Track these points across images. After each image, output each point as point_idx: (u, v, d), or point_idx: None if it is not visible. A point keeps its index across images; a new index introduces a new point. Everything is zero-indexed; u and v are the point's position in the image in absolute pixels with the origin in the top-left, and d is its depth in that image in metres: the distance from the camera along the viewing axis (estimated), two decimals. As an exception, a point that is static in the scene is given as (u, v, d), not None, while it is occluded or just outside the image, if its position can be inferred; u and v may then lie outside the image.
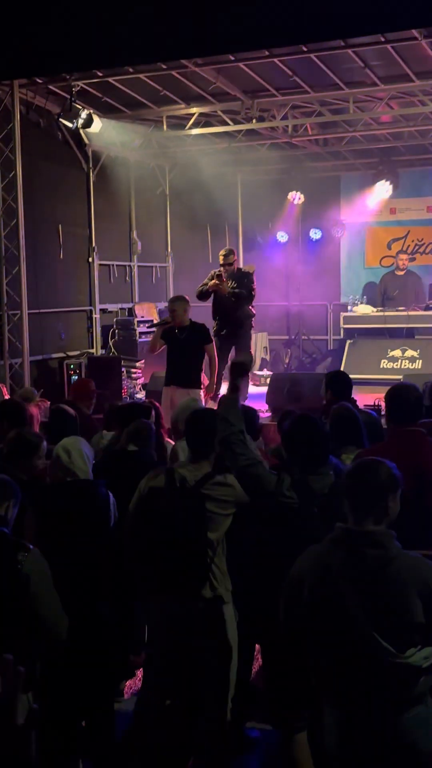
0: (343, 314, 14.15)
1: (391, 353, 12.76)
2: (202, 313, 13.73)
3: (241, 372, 4.12)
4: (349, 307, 14.12)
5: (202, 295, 10.27)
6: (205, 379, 9.05)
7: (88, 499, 4.17)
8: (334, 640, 2.93)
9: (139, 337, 13.06)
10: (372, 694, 2.88)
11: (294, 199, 15.19)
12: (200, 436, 4.02)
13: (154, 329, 13.45)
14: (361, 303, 14.05)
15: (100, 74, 10.50)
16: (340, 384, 6.30)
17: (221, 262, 10.47)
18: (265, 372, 13.07)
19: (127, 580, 4.38)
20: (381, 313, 13.53)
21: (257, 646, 4.68)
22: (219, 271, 10.39)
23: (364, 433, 5.04)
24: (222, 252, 10.73)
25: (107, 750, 4.31)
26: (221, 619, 3.97)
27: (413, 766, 2.90)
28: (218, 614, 3.97)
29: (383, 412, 8.42)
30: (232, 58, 9.95)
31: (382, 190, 14.53)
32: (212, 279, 10.27)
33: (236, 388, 4.02)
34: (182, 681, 4.16)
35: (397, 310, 13.33)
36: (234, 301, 10.21)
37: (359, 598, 2.86)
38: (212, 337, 9.18)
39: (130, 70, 10.38)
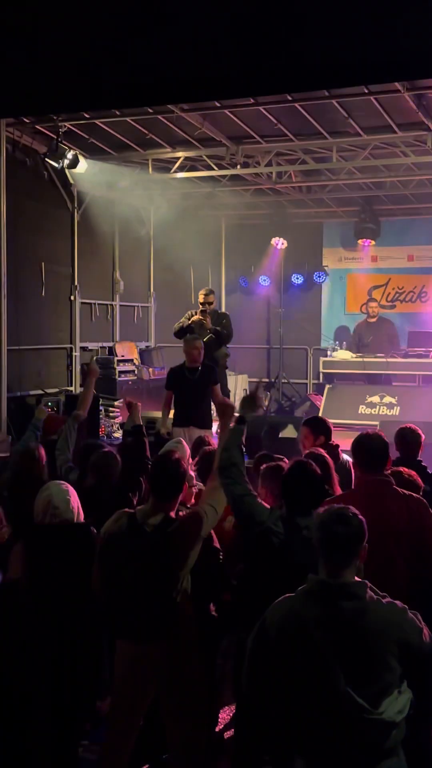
0: (322, 359, 14.24)
1: (369, 399, 12.81)
2: (175, 352, 13.82)
3: (253, 408, 4.24)
4: (328, 353, 14.21)
5: (182, 332, 10.29)
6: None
7: (77, 543, 4.20)
8: (306, 692, 2.91)
9: (119, 376, 13.06)
10: (344, 748, 2.85)
11: (277, 245, 15.33)
12: (164, 481, 4.02)
13: (134, 369, 13.57)
14: (341, 348, 14.14)
15: (87, 116, 10.62)
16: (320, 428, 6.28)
17: (201, 300, 10.58)
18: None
19: (96, 624, 4.33)
20: (360, 359, 13.62)
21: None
22: (197, 311, 10.49)
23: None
24: (202, 291, 10.86)
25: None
26: (187, 664, 3.92)
27: None
28: (183, 659, 3.91)
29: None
30: (218, 105, 10.09)
31: (364, 243, 14.79)
32: (189, 318, 10.35)
33: (244, 421, 4.13)
34: (146, 727, 4.11)
35: (376, 357, 13.41)
36: (214, 338, 10.27)
37: (334, 650, 2.85)
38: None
39: (117, 112, 10.50)
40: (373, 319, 13.97)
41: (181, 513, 4.07)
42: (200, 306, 10.48)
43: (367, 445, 4.41)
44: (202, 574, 4.18)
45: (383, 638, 2.85)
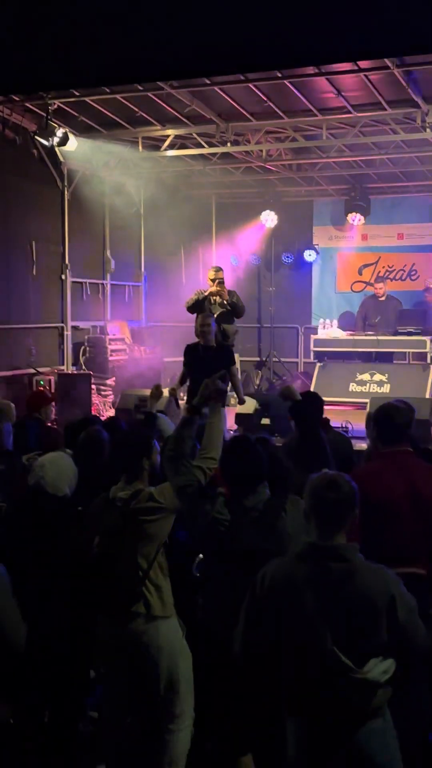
0: (313, 337, 14.28)
1: (360, 377, 12.88)
2: (166, 331, 13.88)
3: (215, 397, 4.20)
4: (319, 329, 14.25)
5: (196, 306, 10.18)
6: None
7: (62, 516, 4.23)
8: (296, 653, 2.98)
9: (110, 355, 13.11)
10: (332, 707, 2.92)
11: (267, 221, 15.33)
12: (128, 458, 4.06)
13: (126, 348, 13.58)
14: (331, 327, 14.17)
15: (77, 94, 10.59)
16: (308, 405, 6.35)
17: (212, 277, 10.47)
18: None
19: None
20: (351, 337, 13.67)
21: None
22: (207, 290, 10.41)
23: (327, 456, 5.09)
24: (212, 268, 10.82)
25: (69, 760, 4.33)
26: (160, 635, 3.97)
27: None
28: (156, 631, 3.96)
29: (349, 434, 8.57)
30: (208, 82, 10.08)
31: (354, 218, 14.77)
32: (200, 295, 10.29)
33: (197, 411, 4.09)
34: (135, 699, 4.16)
35: (366, 335, 13.47)
36: (230, 310, 10.25)
37: (323, 610, 2.92)
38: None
39: (107, 90, 10.47)
40: (382, 298, 14.00)
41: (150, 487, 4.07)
42: (211, 282, 10.40)
43: (393, 416, 4.39)
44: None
45: (370, 602, 2.92)
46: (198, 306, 10.18)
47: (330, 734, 2.94)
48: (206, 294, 10.30)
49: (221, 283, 10.31)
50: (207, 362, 8.64)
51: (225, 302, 10.25)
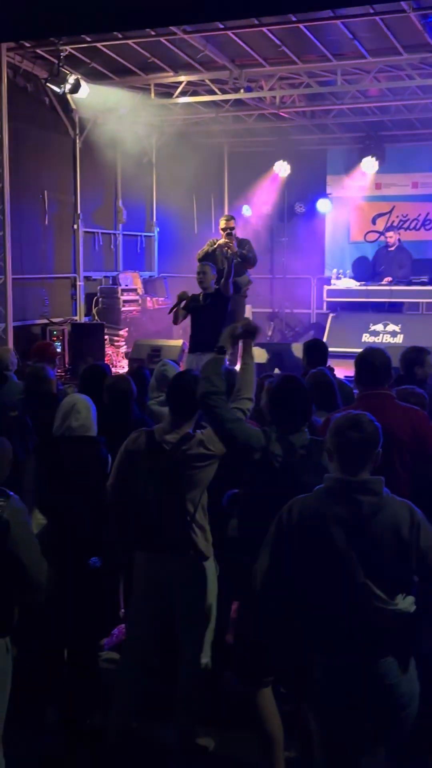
0: (326, 288, 14.23)
1: (373, 327, 12.88)
2: (178, 282, 13.79)
3: (246, 336, 4.21)
4: (332, 281, 14.21)
5: (206, 257, 10.07)
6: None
7: (90, 454, 4.30)
8: (326, 587, 3.03)
9: (123, 306, 13.11)
10: (361, 640, 2.98)
11: (280, 171, 15.18)
12: (181, 399, 4.07)
13: (138, 299, 13.57)
14: (344, 277, 14.12)
15: (89, 39, 10.46)
16: (316, 351, 6.40)
17: (222, 226, 10.35)
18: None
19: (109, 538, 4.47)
20: (364, 288, 13.62)
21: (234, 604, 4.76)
22: (219, 239, 10.31)
23: (339, 398, 5.16)
24: (223, 217, 10.68)
25: (88, 697, 4.43)
26: (201, 574, 4.05)
27: (398, 709, 3.03)
28: (198, 570, 4.04)
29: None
30: (221, 26, 9.93)
31: (369, 165, 14.58)
32: (213, 245, 10.21)
33: (223, 351, 4.09)
34: (162, 634, 4.25)
35: (380, 285, 13.42)
36: (240, 261, 10.18)
37: (354, 545, 2.97)
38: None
39: (119, 36, 10.34)
40: (392, 248, 13.91)
41: (198, 431, 4.11)
42: (222, 232, 10.29)
43: (370, 359, 4.49)
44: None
45: (398, 533, 2.98)
46: (209, 257, 10.08)
47: (357, 666, 3.00)
48: (217, 245, 10.20)
49: (230, 234, 10.18)
50: (204, 309, 8.68)
51: (235, 254, 10.14)
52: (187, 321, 9.14)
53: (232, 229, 10.32)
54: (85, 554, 4.27)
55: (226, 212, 16.26)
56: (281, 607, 3.24)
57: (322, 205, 15.61)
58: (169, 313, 9.24)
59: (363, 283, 13.72)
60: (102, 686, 4.43)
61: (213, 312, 8.67)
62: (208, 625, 4.14)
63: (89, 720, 4.37)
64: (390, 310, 13.29)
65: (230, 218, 10.58)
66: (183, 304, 8.88)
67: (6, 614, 3.28)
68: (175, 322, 9.22)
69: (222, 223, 10.47)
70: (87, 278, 13.35)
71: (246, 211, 15.99)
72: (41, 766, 4.06)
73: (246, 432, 3.78)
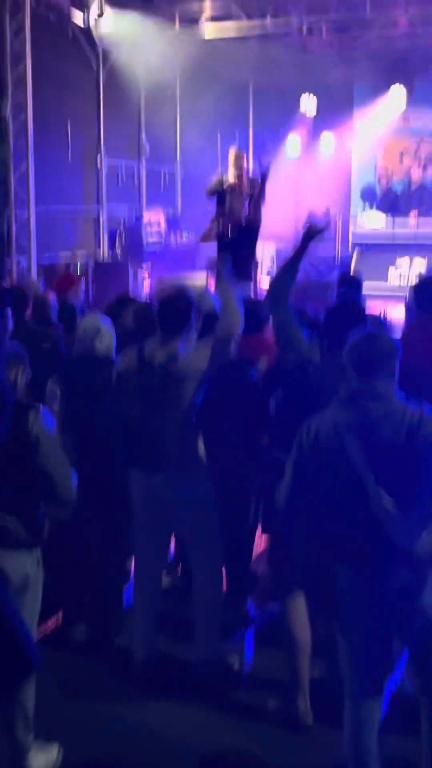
0: (352, 230, 14.08)
1: (399, 261, 12.79)
2: (202, 218, 13.64)
3: (313, 235, 4.20)
4: (358, 218, 14.04)
5: (218, 198, 9.34)
6: None
7: (107, 375, 4.29)
8: (341, 496, 3.03)
9: (146, 242, 13.04)
10: (378, 550, 2.99)
11: (306, 109, 14.91)
12: (170, 315, 4.07)
13: (161, 235, 13.46)
14: (371, 211, 13.95)
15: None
16: (351, 285, 6.37)
17: (232, 162, 9.34)
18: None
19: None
20: (389, 227, 13.49)
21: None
22: (227, 177, 9.74)
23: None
24: (232, 152, 9.55)
25: (113, 615, 4.49)
26: (196, 491, 4.08)
27: (423, 621, 3.05)
28: (192, 487, 4.08)
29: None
30: None
31: (397, 96, 14.29)
32: (220, 184, 9.63)
33: (301, 254, 4.10)
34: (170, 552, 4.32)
35: (405, 221, 13.27)
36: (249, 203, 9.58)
37: (363, 450, 2.96)
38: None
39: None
40: (415, 185, 13.72)
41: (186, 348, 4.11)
42: (232, 170, 9.29)
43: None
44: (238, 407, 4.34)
45: (408, 439, 2.95)
46: (220, 198, 9.28)
47: (377, 576, 3.01)
48: (228, 185, 9.26)
49: (240, 175, 9.24)
50: (233, 244, 8.49)
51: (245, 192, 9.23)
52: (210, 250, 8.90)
53: (242, 167, 9.30)
54: (108, 474, 4.29)
55: (250, 149, 16.06)
56: (305, 521, 3.26)
57: (347, 139, 15.35)
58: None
59: (389, 215, 13.56)
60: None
61: (243, 246, 8.49)
62: (214, 539, 4.17)
63: (116, 640, 4.44)
64: (415, 247, 13.16)
65: (240, 155, 9.49)
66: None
67: (37, 526, 3.30)
68: (204, 239, 8.99)
69: (231, 159, 9.42)
70: (110, 214, 13.24)
71: (271, 147, 15.75)
72: (68, 686, 4.12)
73: (291, 333, 3.94)
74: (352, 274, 12.72)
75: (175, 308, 4.05)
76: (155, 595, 4.28)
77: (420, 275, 8.09)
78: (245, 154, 9.96)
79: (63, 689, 4.03)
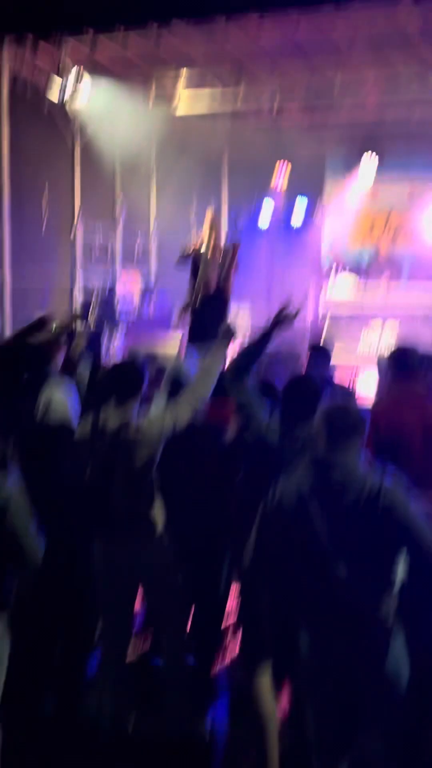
0: (322, 297, 14.30)
1: (372, 323, 12.98)
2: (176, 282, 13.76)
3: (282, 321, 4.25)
4: (330, 284, 14.25)
5: (185, 259, 9.61)
6: None
7: (63, 443, 4.28)
8: (304, 562, 3.05)
9: (119, 312, 13.15)
10: (339, 615, 2.98)
11: (279, 181, 15.25)
12: (123, 383, 4.10)
13: (134, 307, 13.60)
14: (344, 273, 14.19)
15: (90, 34, 10.36)
16: (320, 355, 6.45)
17: (205, 229, 9.59)
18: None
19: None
20: (360, 294, 13.72)
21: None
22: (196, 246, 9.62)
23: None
24: (209, 214, 9.76)
25: (77, 686, 4.41)
26: (156, 554, 4.06)
27: (385, 685, 3.02)
28: (152, 543, 4.06)
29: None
30: (223, 24, 9.85)
31: (367, 169, 14.67)
32: (188, 253, 9.52)
33: (267, 340, 4.19)
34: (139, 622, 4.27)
35: (377, 285, 13.52)
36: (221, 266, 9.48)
37: (325, 520, 2.98)
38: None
39: (121, 28, 10.24)
40: (384, 254, 14.00)
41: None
42: (203, 236, 9.57)
43: (404, 355, 4.85)
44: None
45: (373, 506, 2.98)
46: (194, 267, 9.47)
47: (339, 643, 3.00)
48: (194, 252, 9.47)
49: (214, 244, 9.42)
50: (203, 312, 8.58)
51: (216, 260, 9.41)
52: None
53: (217, 234, 9.55)
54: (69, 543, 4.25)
55: (224, 216, 16.29)
56: (269, 585, 3.26)
57: (318, 211, 15.70)
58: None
59: (361, 279, 13.79)
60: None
61: (212, 315, 8.57)
62: (175, 607, 4.13)
63: (84, 710, 4.35)
64: (387, 309, 13.37)
65: (216, 218, 9.72)
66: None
67: (3, 590, 3.28)
68: (185, 310, 9.09)
69: (206, 222, 9.61)
70: (84, 284, 13.37)
71: (244, 218, 16.05)
72: (36, 756, 4.02)
73: (250, 418, 3.99)
74: (322, 341, 12.97)
75: (126, 375, 4.09)
76: (122, 665, 4.22)
77: (392, 345, 8.20)
78: (219, 219, 10.08)
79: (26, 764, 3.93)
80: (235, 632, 4.17)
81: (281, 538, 3.12)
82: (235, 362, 4.14)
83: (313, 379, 4.22)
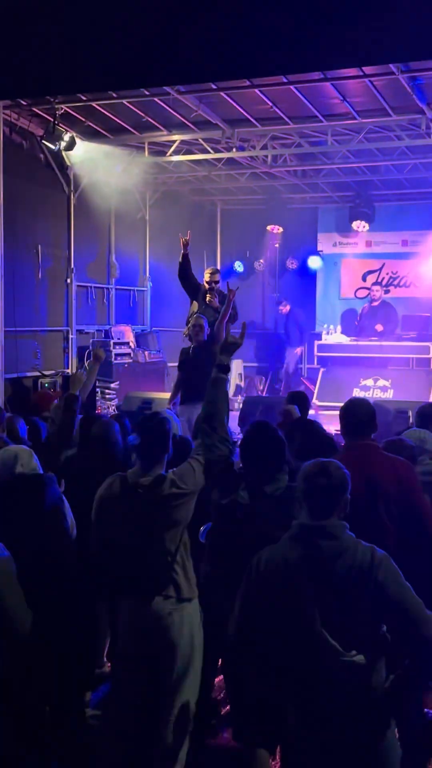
0: (317, 343, 14.33)
1: (363, 382, 12.93)
2: (170, 335, 13.85)
3: (231, 350, 4.25)
4: (323, 335, 14.32)
5: (192, 287, 10.09)
6: None
7: (38, 494, 4.20)
8: (289, 636, 2.99)
9: (115, 359, 13.15)
10: (325, 692, 2.93)
11: (273, 230, 15.43)
12: (149, 442, 4.07)
13: (130, 353, 13.62)
14: (335, 333, 14.25)
15: (84, 98, 10.66)
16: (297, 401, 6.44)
17: (207, 279, 10.16)
18: (240, 398, 13.19)
19: (90, 587, 4.41)
20: (354, 343, 13.73)
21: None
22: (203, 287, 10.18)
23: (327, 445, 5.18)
24: (208, 270, 10.47)
25: (71, 754, 4.34)
26: (186, 618, 4.00)
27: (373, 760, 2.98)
28: (181, 613, 4.00)
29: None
30: (214, 87, 10.14)
31: (359, 225, 14.84)
32: (192, 315, 9.91)
33: (224, 369, 4.13)
34: (148, 689, 4.17)
35: (370, 340, 13.53)
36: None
37: (313, 591, 2.94)
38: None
39: (114, 95, 10.55)
40: (376, 303, 14.07)
41: (171, 471, 4.10)
42: (206, 285, 10.12)
43: (354, 410, 4.51)
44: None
45: (361, 579, 2.93)
46: (194, 290, 10.00)
47: (327, 721, 2.95)
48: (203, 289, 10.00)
49: (212, 290, 9.97)
50: (196, 360, 8.68)
51: (214, 310, 9.81)
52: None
53: (216, 282, 10.12)
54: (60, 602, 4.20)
55: (218, 268, 16.46)
56: (255, 659, 3.22)
57: (313, 262, 15.84)
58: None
59: (354, 338, 13.83)
60: (89, 746, 4.34)
61: (204, 362, 8.64)
62: (193, 676, 4.05)
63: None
64: (380, 365, 13.38)
65: (215, 272, 10.37)
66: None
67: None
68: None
69: (206, 276, 10.25)
70: (79, 331, 13.42)
71: (238, 267, 16.20)
72: None
73: (222, 472, 3.89)
74: (316, 392, 13.04)
75: (155, 436, 4.06)
76: (129, 735, 4.11)
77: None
78: (218, 272, 10.45)
79: None
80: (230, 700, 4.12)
81: (268, 610, 3.06)
82: (202, 414, 4.07)
83: (272, 428, 4.06)
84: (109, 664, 5.17)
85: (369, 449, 4.38)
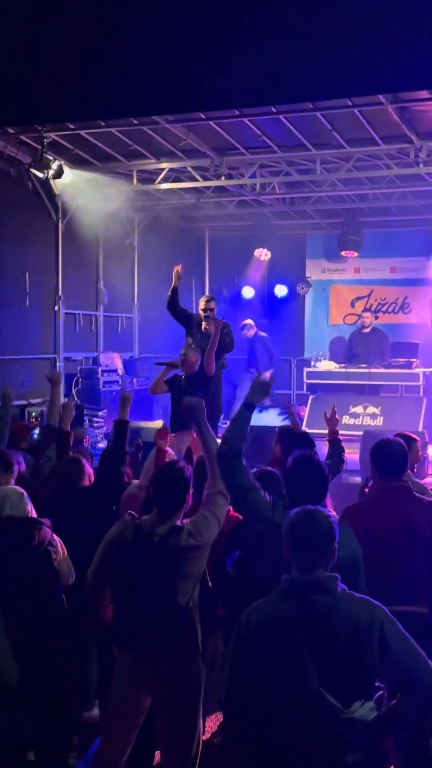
0: (306, 369, 14.28)
1: (353, 409, 12.86)
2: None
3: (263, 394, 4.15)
4: (312, 363, 14.26)
5: (184, 318, 10.22)
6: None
7: (27, 538, 4.13)
8: (283, 694, 2.89)
9: (103, 387, 13.07)
10: (323, 754, 2.83)
11: (260, 256, 15.41)
12: (166, 491, 3.96)
13: (118, 380, 13.54)
14: (324, 360, 14.20)
15: (72, 127, 10.65)
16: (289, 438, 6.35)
17: (202, 307, 10.22)
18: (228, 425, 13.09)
19: (79, 632, 4.31)
20: (344, 370, 13.68)
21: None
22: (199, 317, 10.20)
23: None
24: (204, 298, 10.49)
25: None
26: (190, 672, 3.90)
27: None
28: (187, 667, 3.89)
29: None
30: (203, 117, 10.14)
31: (347, 254, 14.88)
32: (189, 346, 9.99)
33: (251, 408, 4.03)
34: (142, 737, 4.06)
35: (359, 367, 13.48)
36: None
37: (307, 648, 2.84)
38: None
39: (102, 123, 10.53)
40: (367, 329, 14.05)
41: (185, 520, 4.00)
42: (201, 313, 10.19)
43: (388, 451, 4.39)
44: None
45: (356, 633, 2.84)
46: (185, 320, 10.05)
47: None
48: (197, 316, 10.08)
49: (207, 318, 10.02)
50: (185, 390, 8.62)
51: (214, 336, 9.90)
52: (166, 399, 9.06)
53: (212, 310, 10.23)
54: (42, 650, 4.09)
55: (207, 294, 16.44)
56: (248, 722, 3.10)
57: (302, 288, 15.85)
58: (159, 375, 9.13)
59: (343, 365, 13.78)
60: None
61: (194, 392, 8.59)
62: (194, 732, 3.94)
63: None
64: (369, 392, 13.32)
65: (210, 299, 10.43)
66: (168, 375, 8.83)
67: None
68: (153, 391, 9.17)
69: (202, 304, 10.35)
70: (67, 359, 13.34)
71: (226, 293, 16.16)
72: None
73: (254, 501, 3.74)
74: (306, 419, 12.93)
75: (172, 489, 3.96)
76: None
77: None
78: (214, 299, 10.46)
79: None
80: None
81: (260, 669, 2.94)
82: (227, 440, 3.91)
83: (314, 459, 3.99)
84: (97, 705, 5.05)
85: (403, 491, 4.28)
